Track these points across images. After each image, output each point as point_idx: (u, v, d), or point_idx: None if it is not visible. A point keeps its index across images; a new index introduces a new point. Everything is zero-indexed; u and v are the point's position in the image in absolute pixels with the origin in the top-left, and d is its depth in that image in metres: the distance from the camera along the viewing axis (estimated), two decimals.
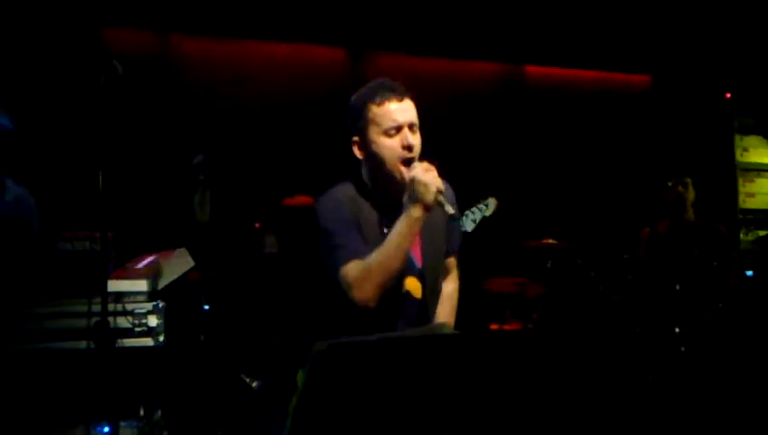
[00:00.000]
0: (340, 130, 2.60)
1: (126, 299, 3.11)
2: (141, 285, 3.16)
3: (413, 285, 2.48)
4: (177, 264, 3.38)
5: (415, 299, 2.48)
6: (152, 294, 3.19)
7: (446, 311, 2.59)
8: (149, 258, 3.43)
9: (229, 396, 4.00)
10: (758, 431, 3.60)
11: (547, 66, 6.36)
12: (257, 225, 4.59)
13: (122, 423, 3.53)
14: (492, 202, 3.65)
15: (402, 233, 2.34)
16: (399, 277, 2.41)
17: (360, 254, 2.37)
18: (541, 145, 5.70)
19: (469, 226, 3.59)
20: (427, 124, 2.48)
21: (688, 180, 4.83)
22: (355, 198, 2.46)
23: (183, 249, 3.42)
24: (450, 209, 2.36)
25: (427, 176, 2.34)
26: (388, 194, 2.46)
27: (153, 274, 3.13)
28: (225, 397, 3.79)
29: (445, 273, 2.63)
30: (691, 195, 4.85)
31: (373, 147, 2.43)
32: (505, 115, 5.52)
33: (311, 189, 4.28)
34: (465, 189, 3.24)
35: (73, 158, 4.24)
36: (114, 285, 3.03)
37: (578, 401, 4.20)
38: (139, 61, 4.58)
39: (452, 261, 2.67)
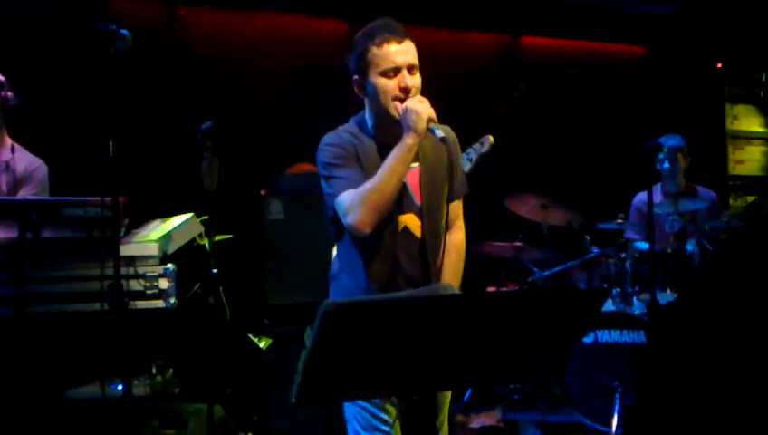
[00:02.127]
0: (344, 97, 2.59)
1: (138, 263, 3.12)
2: (152, 250, 3.17)
3: (412, 221, 2.48)
4: (187, 229, 3.38)
5: (415, 237, 2.48)
6: (163, 259, 3.19)
7: (452, 261, 2.57)
8: (155, 224, 3.42)
9: (238, 355, 4.02)
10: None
11: (543, 37, 6.32)
12: (263, 192, 4.58)
13: (135, 381, 3.57)
14: (487, 139, 3.59)
15: (397, 159, 2.35)
16: (397, 211, 2.42)
17: (357, 183, 2.38)
18: (538, 114, 5.67)
19: (467, 166, 3.54)
20: (424, 94, 2.46)
21: (685, 149, 4.82)
22: (356, 133, 2.48)
23: (192, 215, 3.41)
24: (440, 133, 2.37)
25: (418, 105, 2.35)
26: (387, 132, 2.46)
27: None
28: (233, 356, 3.81)
29: (448, 219, 2.58)
30: (683, 163, 4.84)
31: (371, 87, 2.43)
32: (502, 85, 5.48)
33: (314, 156, 4.28)
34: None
35: (85, 125, 4.22)
36: (126, 250, 3.03)
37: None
38: (147, 31, 4.53)
39: (457, 208, 2.65)
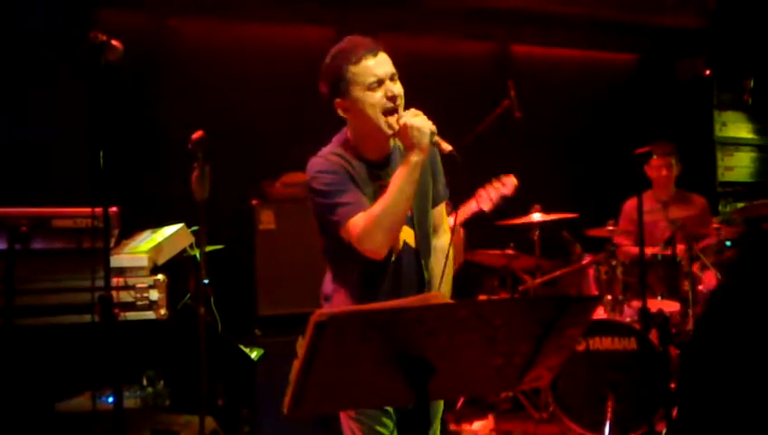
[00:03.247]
0: (332, 108, 2.59)
1: (128, 274, 3.11)
2: (143, 261, 3.16)
3: (407, 233, 2.50)
4: (177, 240, 3.37)
5: (411, 248, 2.51)
6: (153, 269, 3.18)
7: (441, 265, 2.58)
8: (145, 235, 3.42)
9: (229, 366, 4.00)
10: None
11: (533, 46, 6.35)
12: (254, 201, 4.58)
13: (126, 393, 3.55)
14: (510, 181, 3.60)
15: (404, 179, 2.35)
16: None
17: (363, 206, 2.38)
18: (528, 122, 5.70)
19: (486, 205, 3.55)
20: (415, 103, 2.47)
21: (677, 156, 4.85)
22: (343, 154, 2.47)
23: (182, 225, 3.41)
24: (448, 146, 2.38)
25: (418, 120, 2.35)
26: (375, 148, 2.48)
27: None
28: (224, 367, 3.80)
29: (434, 223, 2.62)
30: (675, 169, 4.88)
31: (358, 104, 2.42)
32: (493, 94, 5.50)
33: (305, 166, 4.28)
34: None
35: (75, 137, 4.21)
36: (116, 261, 3.02)
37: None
38: (137, 41, 4.53)
39: (441, 211, 2.67)
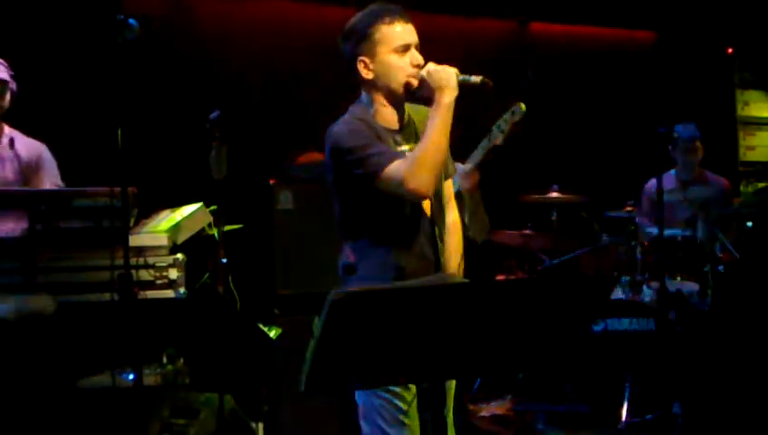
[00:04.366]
0: (351, 85, 2.59)
1: (147, 253, 3.13)
2: (162, 240, 3.18)
3: (425, 203, 2.51)
4: (196, 219, 3.39)
5: (427, 217, 2.52)
6: (172, 249, 3.20)
7: (455, 241, 2.61)
8: (164, 214, 3.44)
9: (248, 345, 4.04)
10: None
11: (552, 23, 6.29)
12: (272, 181, 4.59)
13: (146, 370, 3.59)
14: (518, 108, 3.54)
15: (441, 119, 2.37)
16: None
17: (396, 155, 2.39)
18: (547, 101, 5.66)
19: (499, 137, 3.49)
20: None
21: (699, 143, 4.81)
22: (365, 118, 2.48)
23: (201, 205, 3.42)
24: (477, 77, 2.40)
25: (439, 67, 2.39)
26: (392, 114, 2.50)
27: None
28: (243, 346, 3.83)
29: (446, 199, 2.64)
30: (700, 152, 4.84)
31: (383, 66, 2.45)
32: (511, 72, 5.47)
33: (324, 146, 4.27)
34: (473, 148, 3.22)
35: (94, 116, 4.22)
36: (136, 240, 3.04)
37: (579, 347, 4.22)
38: (154, 19, 4.53)
39: (450, 186, 2.69)
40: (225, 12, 5.32)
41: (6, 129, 3.56)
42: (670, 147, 4.77)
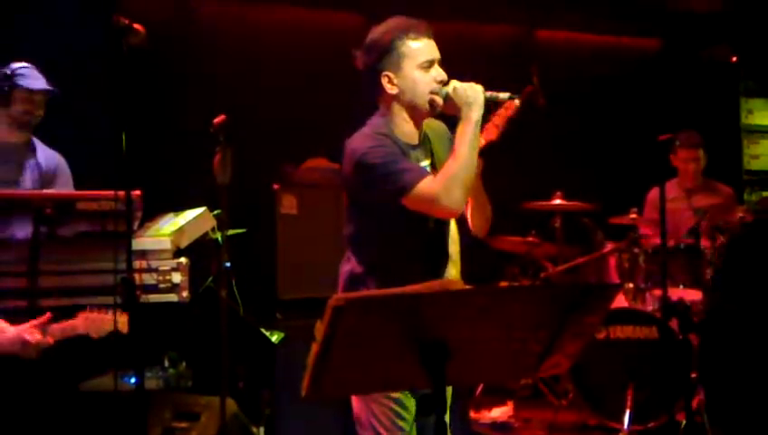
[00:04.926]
0: (357, 93, 2.59)
1: (151, 257, 3.13)
2: (165, 244, 3.18)
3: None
4: (200, 223, 3.39)
5: (434, 228, 2.52)
6: (176, 252, 3.21)
7: (456, 251, 2.60)
8: (168, 218, 3.44)
9: (250, 349, 4.04)
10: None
11: (558, 30, 6.30)
12: (276, 186, 4.59)
13: (148, 374, 3.59)
14: (511, 104, 3.52)
15: (471, 134, 2.39)
16: None
17: (425, 171, 2.39)
18: (552, 107, 5.66)
19: (492, 134, 3.48)
20: None
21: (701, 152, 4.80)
22: (388, 134, 2.47)
23: (205, 209, 3.43)
24: (505, 94, 2.45)
25: (465, 84, 2.40)
26: (410, 129, 2.50)
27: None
28: (246, 350, 3.83)
29: None
30: (702, 160, 4.83)
31: (408, 81, 2.45)
32: (516, 78, 5.48)
33: (329, 152, 4.28)
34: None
35: (99, 120, 4.24)
36: (139, 244, 3.04)
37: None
38: (160, 25, 4.55)
39: None
40: (231, 17, 5.33)
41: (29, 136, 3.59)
42: (673, 155, 4.77)
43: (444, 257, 2.53)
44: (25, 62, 3.39)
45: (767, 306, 3.20)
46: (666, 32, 6.46)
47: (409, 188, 2.35)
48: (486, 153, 3.37)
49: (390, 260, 2.47)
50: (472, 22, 5.86)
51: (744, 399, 3.48)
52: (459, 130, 2.39)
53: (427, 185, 2.35)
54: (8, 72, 3.41)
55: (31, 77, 3.39)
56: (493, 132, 3.48)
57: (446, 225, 2.54)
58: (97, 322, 2.76)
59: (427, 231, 2.47)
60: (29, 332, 2.68)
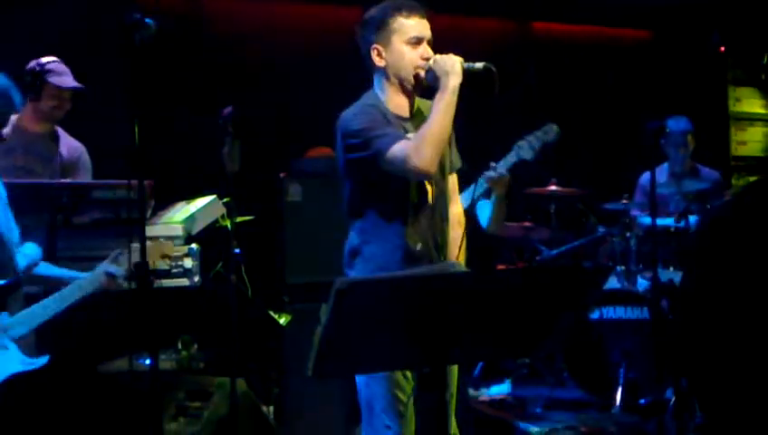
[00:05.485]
0: (361, 83, 2.59)
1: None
2: (177, 230, 3.19)
3: (429, 188, 2.52)
4: (210, 211, 3.40)
5: (430, 205, 2.53)
6: (187, 239, 3.21)
7: (457, 234, 2.61)
8: (179, 206, 3.45)
9: (259, 331, 4.05)
10: None
11: (554, 22, 6.28)
12: (283, 175, 4.59)
13: (162, 356, 3.60)
14: (552, 128, 3.49)
15: (445, 102, 2.39)
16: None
17: (402, 137, 2.40)
18: (548, 97, 5.64)
19: (528, 154, 3.43)
20: None
21: (693, 132, 4.79)
22: (376, 105, 2.49)
23: (215, 197, 3.43)
24: (479, 65, 2.42)
25: (445, 56, 2.42)
26: (401, 102, 2.52)
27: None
28: (255, 332, 3.84)
29: (449, 191, 2.64)
30: (691, 145, 4.82)
31: (395, 55, 2.47)
32: (514, 69, 5.46)
33: (332, 142, 4.27)
34: (476, 144, 3.21)
35: (112, 111, 4.24)
36: (152, 230, 3.05)
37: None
38: (171, 19, 4.54)
39: (454, 181, 2.69)
40: (239, 13, 5.32)
41: (55, 126, 3.60)
42: (663, 141, 4.75)
43: (432, 231, 2.53)
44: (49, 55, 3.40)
45: (742, 286, 3.18)
46: (656, 23, 6.43)
47: (384, 151, 2.37)
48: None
49: (379, 227, 2.49)
50: (470, 16, 5.84)
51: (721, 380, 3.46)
52: (437, 96, 2.41)
53: (399, 146, 2.37)
54: (38, 67, 3.42)
55: (61, 74, 3.41)
56: (529, 153, 3.43)
57: (435, 200, 2.53)
58: (153, 250, 2.81)
59: (409, 200, 2.47)
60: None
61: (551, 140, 3.49)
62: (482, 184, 3.19)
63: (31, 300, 2.78)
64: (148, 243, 2.59)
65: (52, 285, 2.83)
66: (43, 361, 2.73)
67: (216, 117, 3.10)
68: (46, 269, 2.90)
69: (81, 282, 2.76)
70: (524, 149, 3.45)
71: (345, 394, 4.08)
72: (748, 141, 6.58)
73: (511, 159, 3.45)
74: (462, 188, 2.94)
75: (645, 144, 4.02)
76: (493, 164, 3.36)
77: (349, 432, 4.07)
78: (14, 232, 2.80)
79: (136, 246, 2.49)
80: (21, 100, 2.99)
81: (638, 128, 3.92)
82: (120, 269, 2.74)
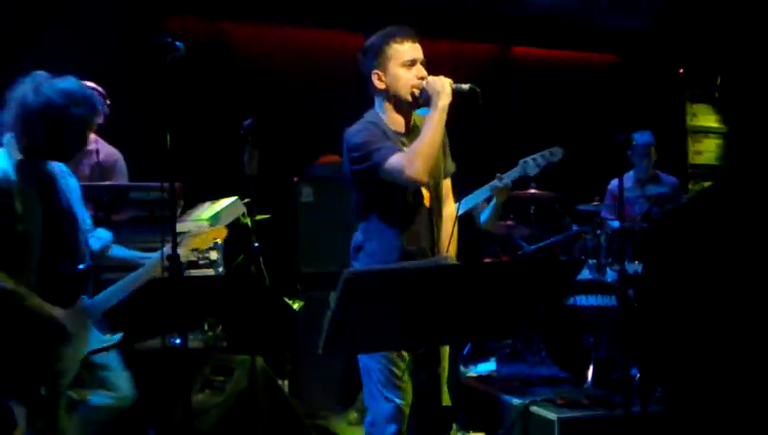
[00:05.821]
0: (362, 100, 2.59)
1: None
2: (204, 227, 3.18)
3: (425, 193, 2.52)
4: (232, 210, 3.39)
5: (426, 207, 2.52)
6: None
7: (449, 230, 2.60)
8: (206, 206, 3.44)
9: (275, 315, 4.04)
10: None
11: (531, 47, 6.28)
12: (296, 178, 4.58)
13: (190, 336, 3.60)
14: (559, 151, 3.49)
15: (435, 120, 2.38)
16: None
17: (398, 150, 2.39)
18: (526, 113, 5.64)
19: (533, 170, 3.45)
20: None
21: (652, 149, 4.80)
22: (377, 123, 2.49)
23: (236, 198, 3.43)
24: (465, 86, 2.41)
25: (436, 78, 2.41)
26: (399, 119, 2.51)
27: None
28: (271, 316, 3.83)
29: (444, 193, 2.63)
30: (654, 155, 4.83)
31: (393, 78, 2.46)
32: (495, 90, 5.46)
33: (340, 150, 4.26)
34: (465, 159, 3.20)
35: (147, 123, 4.24)
36: (182, 227, 3.04)
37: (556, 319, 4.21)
38: (196, 42, 4.54)
39: (448, 184, 2.68)
40: (257, 36, 5.33)
41: (92, 135, 3.58)
42: (629, 151, 4.76)
43: (428, 230, 2.52)
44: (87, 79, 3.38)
45: (687, 278, 3.15)
46: (623, 48, 6.45)
47: (382, 163, 2.37)
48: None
49: (380, 229, 2.49)
50: (455, 40, 5.85)
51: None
52: (429, 115, 2.41)
53: (395, 159, 2.36)
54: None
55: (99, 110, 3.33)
56: (534, 170, 3.44)
57: (431, 202, 2.53)
58: (197, 238, 2.83)
59: (406, 204, 2.47)
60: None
61: (555, 161, 3.51)
62: (485, 191, 3.22)
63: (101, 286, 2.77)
64: (199, 229, 2.54)
65: (122, 266, 2.81)
66: (117, 337, 2.71)
67: (237, 127, 3.09)
68: (118, 251, 2.87)
69: (147, 267, 2.73)
70: (530, 166, 3.47)
71: (350, 371, 4.08)
72: (703, 151, 6.59)
73: (515, 173, 3.47)
74: (466, 192, 2.95)
75: (614, 154, 4.02)
76: (499, 175, 3.38)
77: (345, 407, 4.09)
78: (87, 221, 2.78)
79: (194, 231, 2.46)
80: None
81: (607, 140, 3.92)
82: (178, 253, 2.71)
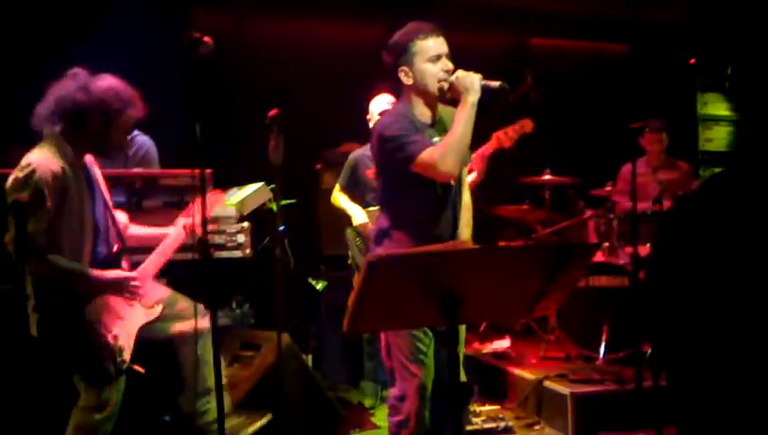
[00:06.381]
0: (382, 91, 2.56)
1: (220, 222, 3.15)
2: (231, 212, 3.19)
3: (452, 182, 2.51)
4: (258, 195, 3.40)
5: (451, 196, 2.51)
6: (240, 218, 3.21)
7: (467, 216, 2.60)
8: (233, 191, 3.44)
9: (300, 294, 4.06)
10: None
11: (549, 38, 6.23)
12: (318, 166, 4.58)
13: (220, 313, 3.62)
14: (527, 122, 3.43)
15: (466, 115, 2.35)
16: None
17: (429, 143, 2.37)
18: (543, 101, 5.57)
19: (507, 143, 3.40)
20: None
21: (666, 130, 4.74)
22: (407, 115, 2.46)
23: (263, 184, 3.43)
24: (495, 84, 2.37)
25: (465, 73, 2.37)
26: (426, 112, 2.48)
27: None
28: (296, 295, 3.85)
29: (463, 180, 2.62)
30: (664, 141, 4.77)
31: (420, 73, 2.42)
32: (514, 78, 5.39)
33: (359, 138, 4.25)
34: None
35: (179, 113, 4.24)
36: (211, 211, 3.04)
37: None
38: (224, 37, 4.53)
39: (464, 172, 2.66)
40: (281, 29, 5.32)
41: None
42: (641, 138, 4.70)
43: (452, 218, 2.51)
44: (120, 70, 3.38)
45: (695, 261, 3.09)
46: (635, 39, 6.36)
47: (415, 156, 2.35)
48: (496, 156, 3.31)
49: (407, 217, 2.48)
50: (473, 32, 5.79)
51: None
52: (458, 110, 2.37)
53: (428, 153, 2.34)
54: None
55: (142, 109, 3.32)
56: (507, 142, 3.41)
57: (453, 192, 2.52)
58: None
59: (435, 195, 2.46)
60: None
61: (528, 131, 3.45)
62: None
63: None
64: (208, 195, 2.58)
65: (141, 243, 2.86)
66: (157, 311, 2.76)
67: (263, 118, 3.08)
68: (136, 230, 2.92)
69: (170, 240, 2.77)
70: (503, 139, 3.43)
71: (369, 347, 4.09)
72: (714, 139, 6.52)
73: (488, 148, 3.44)
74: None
75: (627, 141, 3.97)
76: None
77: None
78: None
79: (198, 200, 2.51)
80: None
81: (621, 127, 3.87)
82: (190, 219, 2.72)
